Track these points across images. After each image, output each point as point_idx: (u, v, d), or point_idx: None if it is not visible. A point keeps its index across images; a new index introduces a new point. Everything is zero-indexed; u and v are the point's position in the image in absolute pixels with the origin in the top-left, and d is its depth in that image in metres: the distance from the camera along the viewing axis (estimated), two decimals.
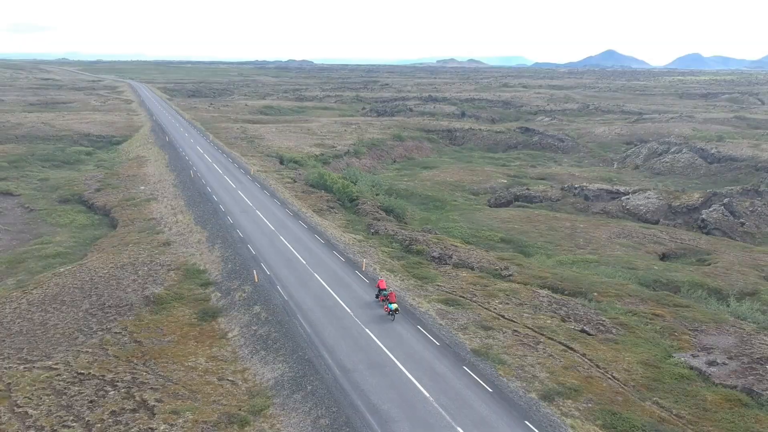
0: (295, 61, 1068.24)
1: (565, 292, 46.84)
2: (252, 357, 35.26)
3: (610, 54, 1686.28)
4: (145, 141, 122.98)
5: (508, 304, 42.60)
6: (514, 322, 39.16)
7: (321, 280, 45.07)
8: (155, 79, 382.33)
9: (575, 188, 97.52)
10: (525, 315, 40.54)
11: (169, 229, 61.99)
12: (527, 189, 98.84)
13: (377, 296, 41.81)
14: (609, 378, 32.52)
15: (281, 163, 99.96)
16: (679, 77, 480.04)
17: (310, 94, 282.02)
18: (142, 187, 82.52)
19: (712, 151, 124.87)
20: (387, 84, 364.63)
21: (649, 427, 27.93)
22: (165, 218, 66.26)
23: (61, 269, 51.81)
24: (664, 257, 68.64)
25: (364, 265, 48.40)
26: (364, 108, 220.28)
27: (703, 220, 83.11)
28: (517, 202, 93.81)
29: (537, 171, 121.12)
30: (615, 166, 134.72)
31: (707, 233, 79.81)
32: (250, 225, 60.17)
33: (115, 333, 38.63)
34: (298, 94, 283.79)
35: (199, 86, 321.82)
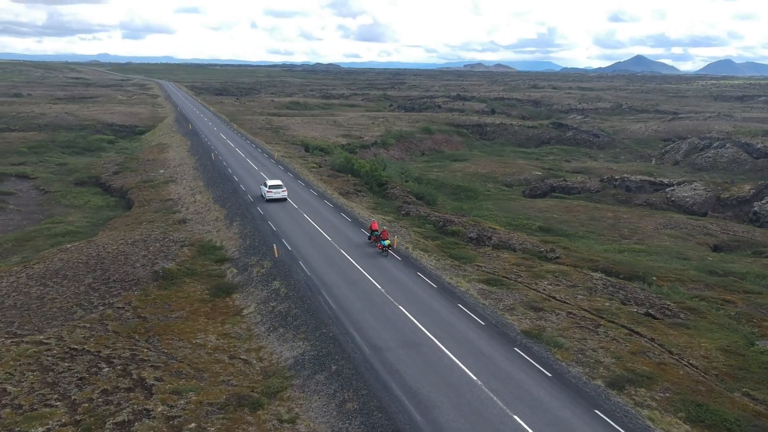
0: (321, 64, 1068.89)
1: (620, 276, 41.89)
2: (269, 334, 30.88)
3: (639, 60, 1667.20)
4: (168, 130, 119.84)
5: (558, 285, 37.78)
6: (567, 303, 34.35)
7: (348, 256, 40.58)
8: (184, 79, 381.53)
9: (616, 179, 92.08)
10: (579, 297, 35.70)
11: (186, 209, 58.06)
12: (564, 180, 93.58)
13: (369, 237, 44.01)
14: (685, 365, 27.59)
15: (306, 150, 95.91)
16: (712, 81, 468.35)
17: (336, 92, 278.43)
18: (162, 171, 78.94)
19: (758, 146, 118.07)
20: (414, 85, 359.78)
21: (744, 421, 23.02)
22: (183, 198, 62.41)
23: (68, 245, 48.05)
24: (716, 249, 63.18)
25: (395, 242, 43.86)
26: (391, 105, 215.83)
27: (755, 213, 77.35)
28: (553, 193, 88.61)
29: (572, 165, 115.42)
30: (653, 162, 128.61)
31: (760, 226, 74.08)
32: (271, 203, 55.95)
33: (118, 308, 34.52)
34: (325, 92, 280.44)
35: (226, 85, 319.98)
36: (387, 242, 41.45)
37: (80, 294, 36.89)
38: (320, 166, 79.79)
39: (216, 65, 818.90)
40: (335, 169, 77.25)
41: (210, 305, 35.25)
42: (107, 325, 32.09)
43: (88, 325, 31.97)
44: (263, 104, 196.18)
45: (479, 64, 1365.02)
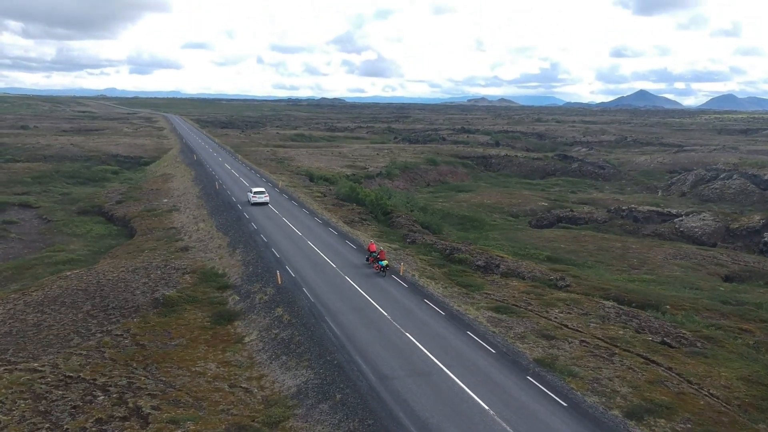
0: (327, 98, 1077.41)
1: (633, 304, 40.73)
2: (271, 362, 29.77)
3: (642, 94, 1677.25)
4: (173, 160, 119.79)
5: (570, 313, 36.65)
6: (579, 332, 33.21)
7: (353, 283, 39.59)
8: (190, 113, 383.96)
9: (623, 210, 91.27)
10: (592, 325, 34.54)
11: (189, 237, 57.29)
12: (571, 211, 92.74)
13: (367, 259, 44.49)
14: (706, 395, 26.37)
15: (311, 180, 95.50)
16: (716, 115, 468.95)
17: (341, 125, 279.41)
18: (165, 200, 78.38)
19: (766, 177, 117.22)
20: (419, 119, 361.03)
21: None
22: (186, 227, 61.67)
23: (68, 273, 47.16)
24: (727, 279, 61.99)
25: (402, 269, 42.92)
26: (396, 137, 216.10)
27: (765, 243, 76.21)
28: (560, 224, 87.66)
29: (578, 196, 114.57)
30: (660, 193, 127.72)
31: None
32: (275, 231, 55.18)
33: (116, 335, 33.52)
34: (330, 125, 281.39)
35: (231, 118, 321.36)
36: (385, 262, 41.95)
37: (78, 321, 35.90)
38: (325, 196, 79.16)
39: (222, 100, 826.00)
40: (340, 198, 76.61)
41: (211, 333, 34.21)
42: (104, 352, 31.07)
43: (84, 353, 30.94)
44: (268, 137, 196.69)
45: (483, 98, 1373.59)
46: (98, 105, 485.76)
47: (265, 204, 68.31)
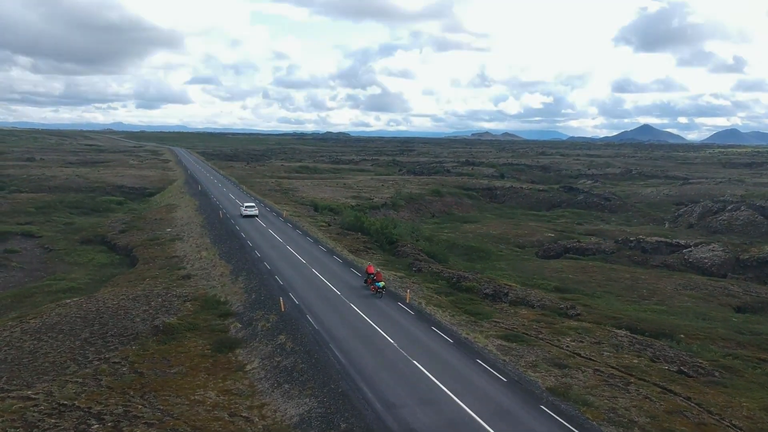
0: (332, 132, 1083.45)
1: (646, 333, 39.58)
2: (273, 391, 28.65)
3: (645, 129, 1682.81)
4: (177, 191, 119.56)
5: (582, 342, 35.54)
6: (593, 360, 32.08)
7: (358, 310, 38.59)
8: (195, 146, 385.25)
9: (631, 241, 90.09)
10: (605, 354, 33.42)
11: (191, 265, 56.44)
12: (578, 241, 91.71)
13: (365, 281, 45.23)
14: (728, 426, 25.19)
15: (316, 210, 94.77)
16: (720, 149, 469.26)
17: (346, 158, 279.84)
18: (168, 229, 77.75)
19: None
20: (423, 152, 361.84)
21: None
22: (188, 255, 60.85)
23: (67, 301, 46.26)
24: (739, 310, 60.73)
25: (408, 297, 41.93)
26: (400, 170, 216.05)
27: None
28: (567, 254, 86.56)
29: (584, 228, 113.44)
30: (666, 225, 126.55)
31: None
32: (279, 259, 54.32)
33: (114, 363, 32.48)
34: (335, 158, 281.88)
35: (237, 151, 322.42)
36: (381, 284, 42.91)
37: (75, 349, 34.93)
38: (329, 225, 78.43)
39: (228, 134, 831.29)
40: (345, 228, 75.84)
41: (211, 360, 33.14)
42: (101, 380, 30.01)
43: (80, 380, 29.89)
44: (273, 169, 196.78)
45: (486, 132, 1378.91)
46: (105, 138, 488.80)
47: (254, 216, 78.63)
